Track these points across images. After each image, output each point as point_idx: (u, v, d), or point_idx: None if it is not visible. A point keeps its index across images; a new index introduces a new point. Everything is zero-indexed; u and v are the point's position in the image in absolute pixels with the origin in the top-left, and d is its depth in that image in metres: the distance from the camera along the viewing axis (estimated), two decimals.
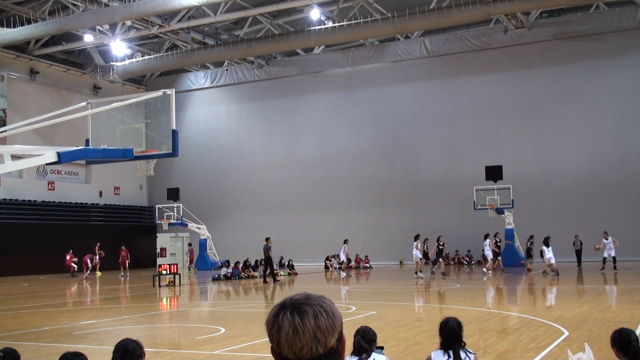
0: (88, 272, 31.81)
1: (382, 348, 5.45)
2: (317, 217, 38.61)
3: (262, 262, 27.87)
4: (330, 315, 1.79)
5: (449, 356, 5.20)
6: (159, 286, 24.13)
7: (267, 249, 26.03)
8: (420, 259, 25.73)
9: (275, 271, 27.01)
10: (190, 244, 40.83)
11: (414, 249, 25.72)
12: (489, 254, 26.95)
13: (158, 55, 37.39)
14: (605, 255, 26.07)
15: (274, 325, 1.78)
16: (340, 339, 1.83)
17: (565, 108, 33.45)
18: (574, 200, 32.64)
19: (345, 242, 33.79)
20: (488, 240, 27.18)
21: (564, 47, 33.82)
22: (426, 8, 30.75)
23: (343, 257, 33.89)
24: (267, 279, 26.14)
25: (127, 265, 33.86)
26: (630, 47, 32.60)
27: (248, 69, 41.41)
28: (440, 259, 27.29)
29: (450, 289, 21.37)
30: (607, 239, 26.14)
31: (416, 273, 25.41)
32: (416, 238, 26.00)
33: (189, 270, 36.84)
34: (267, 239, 26.32)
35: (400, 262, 35.36)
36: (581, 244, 28.83)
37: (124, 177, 40.61)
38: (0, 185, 35.17)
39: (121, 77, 38.88)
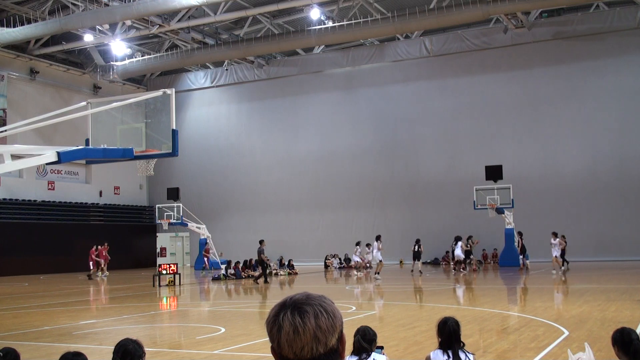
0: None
1: (382, 348, 5.45)
2: (317, 217, 38.58)
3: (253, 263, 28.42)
4: (331, 314, 1.79)
5: (449, 356, 5.20)
6: (159, 286, 24.16)
7: (260, 252, 26.35)
8: (464, 258, 27.54)
9: (271, 271, 27.24)
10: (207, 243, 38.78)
11: (457, 249, 27.36)
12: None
13: (158, 55, 37.39)
14: (555, 254, 26.01)
15: (274, 325, 1.78)
16: (341, 339, 1.83)
17: (565, 108, 33.44)
18: (574, 200, 32.64)
19: (357, 244, 32.18)
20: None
21: (564, 47, 33.80)
22: (426, 8, 30.75)
23: (357, 258, 33.00)
24: (258, 280, 26.38)
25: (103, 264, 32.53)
26: (630, 47, 32.58)
27: (248, 69, 41.38)
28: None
29: (450, 289, 21.37)
30: (554, 240, 26.07)
31: (460, 270, 27.12)
32: (459, 239, 27.49)
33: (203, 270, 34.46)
34: (260, 242, 26.70)
35: (401, 262, 35.32)
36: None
37: (124, 177, 40.59)
38: (0, 185, 35.16)
39: (121, 77, 38.85)
